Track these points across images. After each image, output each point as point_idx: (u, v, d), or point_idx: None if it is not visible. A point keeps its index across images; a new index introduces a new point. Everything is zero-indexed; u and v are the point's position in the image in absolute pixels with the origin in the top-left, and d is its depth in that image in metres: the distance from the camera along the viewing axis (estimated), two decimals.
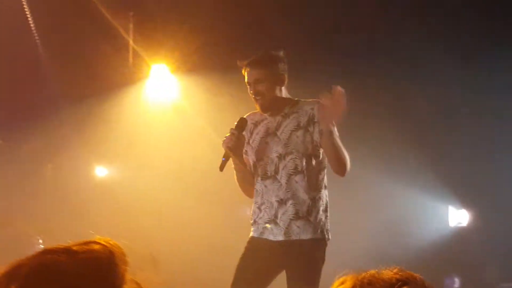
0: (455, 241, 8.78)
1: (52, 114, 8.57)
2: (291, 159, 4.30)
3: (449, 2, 7.90)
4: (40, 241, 7.33)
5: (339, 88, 4.10)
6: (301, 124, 4.32)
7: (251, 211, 4.46)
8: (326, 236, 4.34)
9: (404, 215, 8.58)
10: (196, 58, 8.32)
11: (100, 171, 9.41)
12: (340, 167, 4.26)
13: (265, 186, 4.36)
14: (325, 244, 4.35)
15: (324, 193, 4.40)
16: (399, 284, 1.34)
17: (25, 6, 7.94)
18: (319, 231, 4.29)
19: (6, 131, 8.59)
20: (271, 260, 4.33)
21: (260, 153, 4.41)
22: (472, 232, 8.76)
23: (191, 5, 8.01)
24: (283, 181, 4.31)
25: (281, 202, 4.30)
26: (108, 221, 7.65)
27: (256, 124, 4.47)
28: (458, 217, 9.06)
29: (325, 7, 7.70)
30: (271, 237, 4.32)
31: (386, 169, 8.23)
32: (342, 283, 1.39)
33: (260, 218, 4.39)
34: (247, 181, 4.46)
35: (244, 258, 4.37)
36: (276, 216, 4.31)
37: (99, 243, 1.31)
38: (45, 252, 1.32)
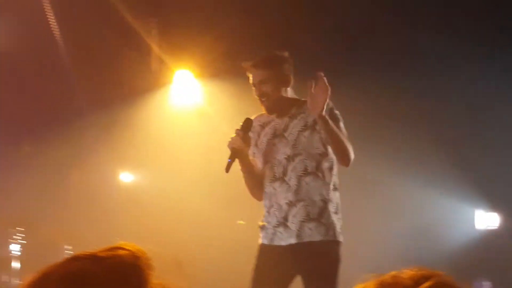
0: (483, 244, 8.70)
1: (78, 120, 8.63)
2: (300, 160, 4.23)
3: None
4: (68, 247, 7.37)
5: (320, 74, 4.02)
6: (308, 124, 4.24)
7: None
8: (338, 237, 4.24)
9: (430, 218, 8.52)
10: (220, 63, 8.34)
11: (126, 177, 9.46)
12: (342, 156, 4.18)
13: (274, 189, 4.27)
14: (339, 246, 4.25)
15: (335, 195, 4.31)
16: (422, 280, 1.34)
17: (50, 15, 8.00)
18: (330, 232, 4.19)
19: (33, 138, 8.67)
20: (286, 266, 4.23)
21: (268, 155, 4.34)
22: (502, 235, 8.68)
23: (214, 10, 8.03)
24: (292, 183, 4.22)
25: (291, 204, 4.21)
26: (134, 227, 7.67)
27: (263, 126, 4.41)
28: (487, 219, 8.98)
29: (349, 9, 7.68)
30: (282, 243, 4.22)
31: (411, 172, 8.18)
32: (365, 287, 1.39)
33: (269, 222, 4.30)
34: (254, 183, 4.36)
35: (258, 269, 4.28)
36: (286, 219, 4.22)
37: (124, 249, 1.32)
38: (72, 259, 1.33)
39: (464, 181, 8.43)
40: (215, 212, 8.24)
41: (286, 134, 4.31)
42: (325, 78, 4.03)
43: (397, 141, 8.02)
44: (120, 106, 8.62)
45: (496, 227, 8.93)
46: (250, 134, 4.33)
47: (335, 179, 4.32)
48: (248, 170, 4.32)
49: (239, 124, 4.30)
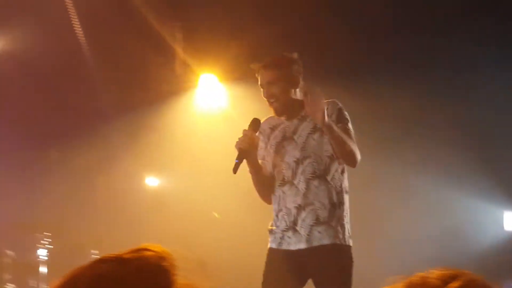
0: None
1: (104, 125, 8.67)
2: (309, 163, 4.17)
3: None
4: (94, 251, 7.40)
5: (315, 90, 3.99)
6: (318, 126, 4.16)
7: None
8: (348, 242, 4.18)
9: (458, 219, 8.45)
10: (244, 66, 8.33)
11: (151, 181, 9.48)
12: (347, 158, 4.14)
13: (283, 192, 4.23)
14: (349, 249, 4.19)
15: (345, 198, 4.24)
16: (450, 280, 1.32)
17: (75, 21, 8.05)
18: (340, 236, 4.13)
19: (60, 144, 8.73)
20: (295, 270, 4.18)
21: (277, 159, 4.28)
22: None
23: (238, 14, 8.03)
24: (301, 186, 4.17)
25: (300, 208, 4.16)
26: (160, 231, 7.69)
27: (273, 129, 4.37)
28: None
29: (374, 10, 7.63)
30: (291, 247, 4.18)
31: (439, 173, 8.12)
32: None
33: (278, 226, 4.25)
34: (262, 185, 4.32)
35: (268, 274, 4.24)
36: (295, 223, 4.16)
37: (149, 250, 1.32)
38: (98, 261, 1.33)
39: (493, 182, 8.35)
40: (239, 215, 8.24)
41: (295, 137, 4.26)
42: (317, 89, 4.00)
43: (425, 143, 7.96)
44: (145, 111, 8.65)
45: None
46: (260, 136, 4.31)
47: (345, 182, 4.27)
48: (256, 172, 4.27)
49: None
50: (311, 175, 4.17)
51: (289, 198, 4.21)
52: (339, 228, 4.15)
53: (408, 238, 7.70)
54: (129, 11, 8.15)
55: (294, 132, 4.28)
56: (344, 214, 4.22)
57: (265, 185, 4.33)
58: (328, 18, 7.81)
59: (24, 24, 7.97)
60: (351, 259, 4.19)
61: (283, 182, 4.25)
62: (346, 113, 4.26)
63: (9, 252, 6.68)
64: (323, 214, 4.14)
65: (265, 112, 4.23)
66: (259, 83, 4.29)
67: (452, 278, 1.32)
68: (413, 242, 7.95)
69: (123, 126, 8.76)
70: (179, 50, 8.75)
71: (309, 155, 4.19)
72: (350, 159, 4.15)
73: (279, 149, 4.30)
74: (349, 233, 4.22)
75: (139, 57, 8.48)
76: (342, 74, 7.67)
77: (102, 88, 8.70)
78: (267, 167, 4.33)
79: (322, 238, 4.12)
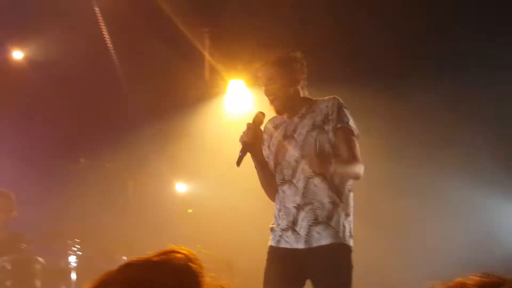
0: None
1: (133, 132, 8.70)
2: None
3: None
4: (124, 257, 7.41)
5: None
6: (316, 124, 4.15)
7: None
8: (348, 242, 4.10)
9: (491, 223, 8.34)
10: None
11: (181, 187, 9.49)
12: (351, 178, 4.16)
13: (283, 192, 4.20)
14: (349, 249, 4.11)
15: (348, 197, 4.18)
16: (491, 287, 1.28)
17: (103, 28, 8.10)
18: (340, 235, 4.06)
19: (89, 150, 8.77)
20: (293, 269, 4.13)
21: (278, 157, 4.26)
22: None
23: (266, 20, 8.02)
24: (300, 185, 4.12)
25: (299, 207, 4.12)
26: (190, 236, 7.69)
27: (276, 128, 4.36)
28: None
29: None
30: (289, 246, 4.14)
31: (471, 176, 8.01)
32: None
33: (278, 225, 4.22)
34: (268, 182, 4.30)
35: (268, 272, 4.21)
36: (294, 223, 4.12)
37: (176, 252, 1.32)
38: (128, 265, 1.33)
39: None
40: (269, 220, 8.20)
41: (295, 135, 4.23)
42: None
43: (458, 147, 7.86)
44: (174, 117, 8.67)
45: None
46: (264, 136, 4.28)
47: (348, 180, 4.20)
48: (262, 167, 4.26)
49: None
50: (310, 173, 4.12)
51: (289, 197, 4.18)
52: (338, 227, 4.08)
53: (440, 242, 7.62)
54: (158, 18, 8.19)
55: (294, 130, 4.25)
56: (346, 213, 4.15)
57: (270, 182, 4.30)
58: (361, 22, 7.76)
59: (54, 34, 8.05)
60: (349, 259, 4.11)
61: (284, 181, 4.22)
62: (347, 110, 4.21)
63: (40, 259, 6.71)
64: (322, 213, 4.08)
65: None
66: (260, 81, 4.28)
67: (494, 286, 1.28)
68: (446, 246, 7.85)
69: (153, 133, 8.78)
70: (207, 56, 8.77)
71: (307, 153, 4.14)
72: (354, 179, 4.17)
73: (280, 148, 4.28)
74: (350, 233, 4.15)
75: (168, 64, 8.51)
76: (374, 77, 7.62)
77: (131, 95, 8.73)
78: (271, 166, 4.30)
79: (320, 238, 4.06)
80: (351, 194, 4.22)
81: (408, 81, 7.61)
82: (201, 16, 8.58)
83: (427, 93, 7.48)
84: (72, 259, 7.15)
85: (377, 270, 7.63)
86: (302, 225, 4.11)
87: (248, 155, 4.22)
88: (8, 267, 6.43)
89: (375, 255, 7.62)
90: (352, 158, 4.07)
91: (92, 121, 8.88)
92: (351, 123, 4.18)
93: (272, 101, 4.27)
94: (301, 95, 4.29)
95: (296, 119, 4.27)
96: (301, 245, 4.10)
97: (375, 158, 7.75)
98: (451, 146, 7.75)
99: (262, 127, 4.27)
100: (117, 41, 8.41)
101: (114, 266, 1.41)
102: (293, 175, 4.18)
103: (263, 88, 4.28)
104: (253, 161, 4.25)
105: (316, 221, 4.08)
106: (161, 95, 8.74)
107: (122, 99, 8.83)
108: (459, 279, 1.33)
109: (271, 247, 4.27)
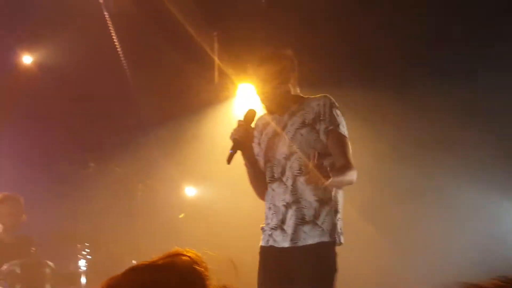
0: None
1: (142, 135, 8.71)
2: (296, 159, 4.10)
3: None
4: (134, 262, 7.41)
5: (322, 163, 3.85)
6: (307, 122, 4.13)
7: None
8: (337, 239, 4.07)
9: (504, 225, 8.29)
10: None
11: (191, 191, 9.48)
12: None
13: (273, 190, 4.19)
14: (334, 245, 4.08)
15: (337, 194, 4.15)
16: None
17: (112, 31, 8.11)
18: (328, 234, 4.03)
19: (98, 154, 8.77)
20: (281, 269, 4.12)
21: (269, 155, 4.23)
22: None
23: (276, 23, 8.00)
24: (289, 183, 4.10)
25: (287, 206, 4.10)
26: (199, 240, 7.66)
27: (265, 125, 4.35)
28: None
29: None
30: (275, 245, 4.13)
31: (487, 178, 7.96)
32: None
33: (268, 224, 4.21)
34: (257, 180, 4.29)
35: (260, 272, 4.21)
36: (283, 222, 4.11)
37: (182, 255, 1.31)
38: (132, 269, 1.33)
39: None
40: None
41: (284, 132, 4.20)
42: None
43: (471, 149, 7.80)
44: (184, 121, 8.66)
45: None
46: (255, 133, 4.27)
47: None
48: (252, 165, 4.25)
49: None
50: (297, 171, 4.10)
51: (278, 196, 4.16)
52: (326, 226, 4.05)
53: (453, 245, 7.57)
54: (167, 22, 8.19)
55: (284, 128, 4.23)
56: (334, 210, 4.12)
57: (260, 180, 4.28)
58: (372, 24, 7.73)
59: (64, 38, 8.06)
60: (334, 257, 4.08)
61: (273, 179, 4.20)
62: (339, 112, 4.19)
63: (49, 263, 6.72)
64: (309, 212, 4.05)
65: None
66: (251, 79, 4.28)
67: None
68: (459, 248, 7.80)
69: (162, 136, 8.78)
70: (216, 60, 8.76)
71: (295, 151, 4.12)
72: (348, 185, 4.13)
73: (270, 145, 4.26)
74: (340, 230, 4.12)
75: (177, 67, 8.51)
76: (389, 80, 7.59)
77: (140, 99, 8.74)
78: (261, 163, 4.28)
79: (306, 238, 4.04)
80: (340, 192, 4.20)
81: (413, 83, 7.57)
82: (210, 20, 8.58)
83: (432, 95, 7.45)
84: (82, 263, 7.16)
85: (383, 273, 7.60)
86: (290, 224, 4.09)
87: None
88: (18, 271, 6.43)
89: (382, 258, 7.59)
90: (347, 165, 4.04)
91: (102, 125, 8.89)
92: (343, 126, 4.16)
93: (263, 99, 4.25)
94: (292, 92, 4.27)
95: (286, 116, 4.25)
96: (286, 244, 4.09)
97: (381, 161, 7.72)
98: (466, 149, 7.70)
99: (253, 125, 4.24)
100: (127, 45, 8.42)
101: (123, 270, 1.40)
102: (283, 172, 4.16)
103: (254, 86, 4.27)
104: (243, 159, 4.25)
105: (303, 221, 4.07)
106: (171, 99, 8.74)
107: (132, 103, 8.83)
108: (473, 282, 1.31)
109: (261, 247, 4.28)
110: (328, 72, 7.63)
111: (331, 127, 4.09)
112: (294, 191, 4.10)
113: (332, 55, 7.98)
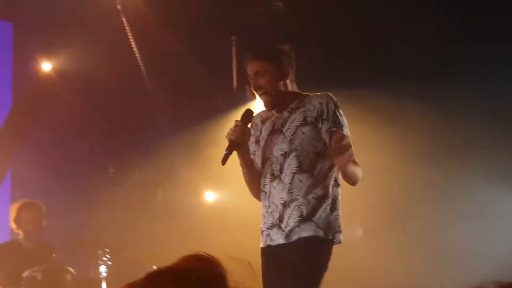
0: None
1: (161, 141, 8.72)
2: (295, 156, 4.06)
3: None
4: (154, 267, 7.41)
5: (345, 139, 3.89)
6: (308, 119, 4.08)
7: None
8: (331, 236, 4.03)
9: None
10: (299, 80, 8.27)
11: (210, 196, 9.47)
12: (350, 183, 4.09)
13: (274, 188, 4.13)
14: (329, 245, 4.04)
15: (334, 191, 4.10)
16: None
17: (130, 37, 8.14)
18: (322, 230, 3.99)
19: (118, 160, 8.81)
20: (279, 264, 4.08)
21: (267, 152, 4.19)
22: None
23: (293, 26, 7.99)
24: (287, 181, 4.06)
25: (285, 204, 4.06)
26: (218, 245, 7.66)
27: (263, 122, 4.29)
28: None
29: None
30: (272, 243, 4.10)
31: (505, 179, 7.87)
32: None
33: (264, 223, 4.18)
34: (253, 181, 4.25)
35: (263, 274, 4.10)
36: (281, 220, 4.07)
37: (201, 258, 1.30)
38: (153, 274, 1.32)
39: None
40: None
41: (284, 129, 4.16)
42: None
43: (497, 154, 7.70)
44: (203, 126, 8.66)
45: None
46: (252, 131, 4.23)
47: (334, 175, 4.11)
48: (247, 166, 4.21)
49: None
50: (296, 169, 4.06)
51: (277, 194, 4.12)
52: (322, 222, 4.02)
53: (485, 246, 7.50)
54: (185, 28, 8.21)
55: (283, 125, 4.18)
56: (331, 207, 4.08)
57: (256, 181, 4.24)
58: (392, 25, 7.69)
59: (82, 44, 8.10)
60: (326, 254, 4.04)
61: (272, 177, 4.15)
62: (342, 112, 4.14)
63: (70, 269, 6.74)
64: (307, 210, 4.02)
65: None
66: (248, 74, 4.24)
67: None
68: (491, 250, 7.72)
69: (181, 142, 8.78)
70: (234, 63, 8.76)
71: (295, 149, 4.08)
72: (352, 183, 4.09)
73: (268, 142, 4.21)
74: (338, 228, 4.09)
75: (196, 71, 8.52)
76: (411, 80, 7.54)
77: (160, 105, 8.75)
78: (258, 162, 4.25)
79: (301, 231, 4.01)
80: (338, 189, 4.17)
81: (445, 85, 7.50)
82: (229, 23, 8.59)
83: (468, 99, 7.36)
84: (102, 269, 7.16)
85: (414, 276, 7.55)
86: (289, 222, 4.06)
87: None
88: (39, 277, 6.45)
89: (411, 262, 7.54)
90: (349, 156, 3.98)
91: (121, 131, 8.92)
92: (345, 127, 4.12)
93: (260, 96, 4.22)
94: (290, 88, 4.23)
95: (285, 113, 4.21)
96: (282, 240, 4.07)
97: (409, 164, 7.67)
98: (492, 155, 7.61)
99: (249, 125, 4.22)
100: (145, 51, 8.45)
101: (143, 275, 1.40)
102: (281, 170, 4.12)
103: (251, 82, 4.24)
104: (239, 160, 4.21)
105: (301, 218, 4.04)
106: (190, 104, 8.75)
107: (151, 109, 8.85)
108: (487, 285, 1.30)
109: (261, 249, 4.25)
110: (350, 75, 7.61)
111: (334, 128, 4.07)
112: (292, 189, 4.07)
113: (357, 57, 7.96)
